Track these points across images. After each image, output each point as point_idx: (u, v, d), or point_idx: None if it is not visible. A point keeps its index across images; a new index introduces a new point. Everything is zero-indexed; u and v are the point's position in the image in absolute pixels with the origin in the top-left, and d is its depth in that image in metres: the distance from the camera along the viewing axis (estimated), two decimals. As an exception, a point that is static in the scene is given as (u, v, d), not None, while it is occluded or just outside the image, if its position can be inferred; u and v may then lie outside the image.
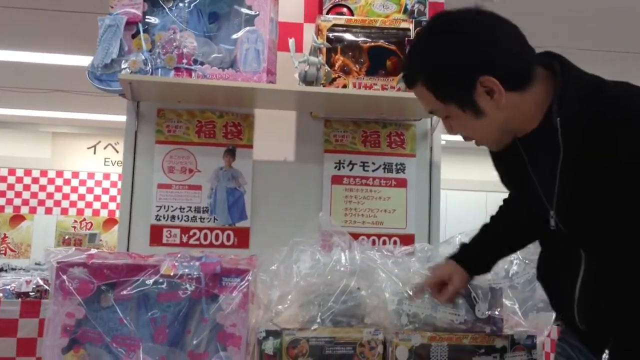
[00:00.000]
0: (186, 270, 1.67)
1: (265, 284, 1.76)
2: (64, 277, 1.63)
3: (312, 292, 1.74)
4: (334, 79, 2.18)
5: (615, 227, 1.28)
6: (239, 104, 2.40)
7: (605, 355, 1.35)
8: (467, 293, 1.73)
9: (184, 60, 2.14)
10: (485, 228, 1.74)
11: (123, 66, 2.16)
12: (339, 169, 2.44)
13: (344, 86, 2.19)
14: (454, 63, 1.32)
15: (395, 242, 2.40)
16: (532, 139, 1.39)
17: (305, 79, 2.15)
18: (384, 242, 2.41)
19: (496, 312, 1.72)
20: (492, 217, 1.75)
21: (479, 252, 1.71)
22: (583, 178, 1.29)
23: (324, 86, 2.16)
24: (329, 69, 2.17)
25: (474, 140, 1.46)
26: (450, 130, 1.45)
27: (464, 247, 1.73)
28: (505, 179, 1.56)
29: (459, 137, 1.47)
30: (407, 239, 2.40)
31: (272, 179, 2.44)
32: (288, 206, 2.42)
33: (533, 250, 1.68)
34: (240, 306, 1.66)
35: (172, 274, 1.66)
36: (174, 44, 2.14)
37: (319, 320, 1.70)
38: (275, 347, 1.64)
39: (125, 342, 1.63)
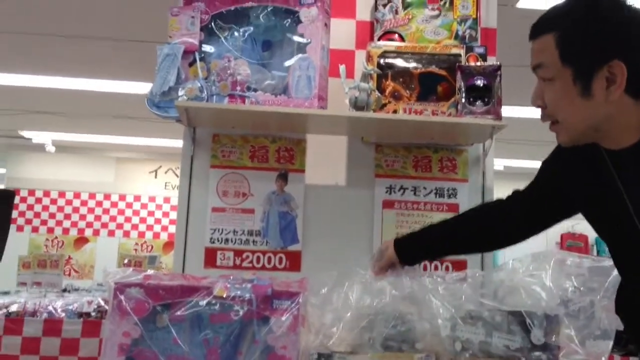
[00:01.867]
0: (238, 292, 1.69)
1: (316, 307, 1.76)
2: (121, 297, 1.65)
3: (363, 316, 1.73)
4: (385, 105, 2.20)
5: None
6: (291, 129, 2.44)
7: None
8: (522, 319, 1.69)
9: (238, 88, 2.20)
10: (443, 222, 1.81)
11: (180, 93, 2.23)
12: (390, 194, 2.44)
13: (395, 111, 2.20)
14: (601, 32, 1.25)
15: (447, 268, 2.38)
16: (627, 155, 1.31)
17: (356, 105, 2.17)
18: (436, 267, 2.39)
19: (552, 339, 1.68)
20: (458, 216, 1.84)
21: (417, 240, 1.79)
22: None
23: (374, 112, 2.17)
24: (379, 94, 2.19)
25: (549, 122, 1.36)
26: (537, 99, 1.36)
27: (411, 233, 1.82)
28: (575, 190, 1.47)
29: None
30: (460, 265, 2.37)
31: (324, 203, 2.46)
32: (339, 230, 2.44)
33: (588, 277, 1.64)
34: (290, 329, 1.67)
35: (224, 295, 1.68)
36: (229, 71, 2.20)
37: (370, 344, 1.69)
38: (326, 370, 1.64)
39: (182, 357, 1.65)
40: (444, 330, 1.71)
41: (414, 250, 1.81)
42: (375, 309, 1.74)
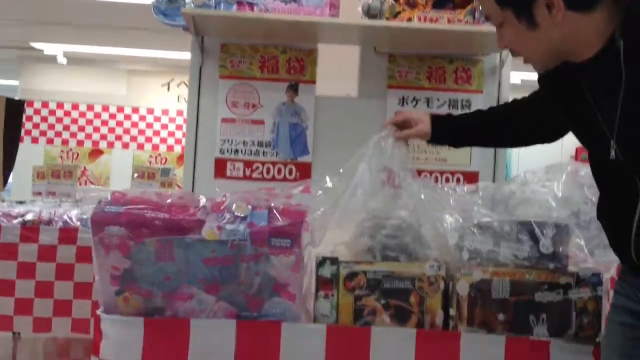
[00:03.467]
0: (231, 236, 1.54)
1: (323, 212, 1.74)
2: (101, 234, 1.52)
3: (369, 223, 1.73)
4: (398, 13, 2.12)
5: None
6: (302, 38, 2.38)
7: None
8: (531, 229, 1.69)
9: (246, -6, 2.13)
10: (478, 113, 1.80)
11: (187, 0, 2.17)
12: (402, 105, 2.40)
13: (409, 20, 2.13)
14: None
15: (458, 180, 2.37)
16: (592, 66, 1.32)
17: (369, 12, 2.10)
18: (447, 180, 2.37)
19: (561, 249, 1.68)
20: (491, 108, 1.82)
21: (455, 124, 1.79)
22: None
23: (387, 20, 2.11)
24: (393, 1, 2.11)
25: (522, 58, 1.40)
26: (501, 41, 1.41)
27: (449, 115, 1.83)
28: (559, 106, 1.49)
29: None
30: (471, 177, 2.36)
31: (335, 115, 2.43)
32: (350, 142, 2.39)
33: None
34: (292, 268, 1.57)
35: (215, 239, 1.54)
36: (237, -23, 2.13)
37: (370, 253, 1.70)
38: (332, 273, 1.65)
39: (177, 293, 1.57)
40: (451, 240, 1.71)
41: (448, 128, 1.81)
42: (382, 217, 1.74)
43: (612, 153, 1.31)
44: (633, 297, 1.36)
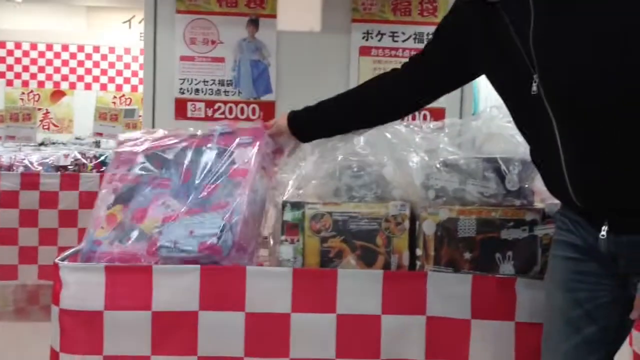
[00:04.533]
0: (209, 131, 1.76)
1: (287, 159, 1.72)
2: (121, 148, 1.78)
3: (333, 164, 1.69)
4: (362, -61, 2.03)
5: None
6: (262, -31, 2.28)
7: (603, 230, 1.29)
8: (497, 166, 1.66)
9: None
10: (340, 95, 1.73)
11: None
12: (367, 40, 2.33)
13: (372, -53, 2.03)
14: None
15: (425, 117, 2.33)
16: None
17: (330, -60, 2.00)
18: (414, 117, 2.33)
19: (527, 185, 1.66)
20: (353, 89, 1.77)
21: (312, 111, 1.72)
22: (559, 22, 1.23)
23: (350, -53, 2.01)
24: None
25: None
26: None
27: (306, 107, 1.75)
28: (484, 51, 1.44)
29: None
30: (438, 113, 2.32)
31: (298, 51, 2.36)
32: (314, 79, 2.35)
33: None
34: (251, 159, 1.70)
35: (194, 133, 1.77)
36: None
37: (336, 194, 1.66)
38: (297, 218, 1.62)
39: (161, 183, 1.72)
40: (417, 179, 1.68)
41: (305, 121, 1.73)
42: (345, 157, 1.70)
43: (534, 87, 1.29)
44: (575, 232, 1.37)
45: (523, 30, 1.28)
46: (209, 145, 1.75)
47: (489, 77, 1.49)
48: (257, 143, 1.73)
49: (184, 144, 1.75)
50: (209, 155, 1.74)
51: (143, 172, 1.73)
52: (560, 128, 1.28)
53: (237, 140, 1.73)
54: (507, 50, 1.34)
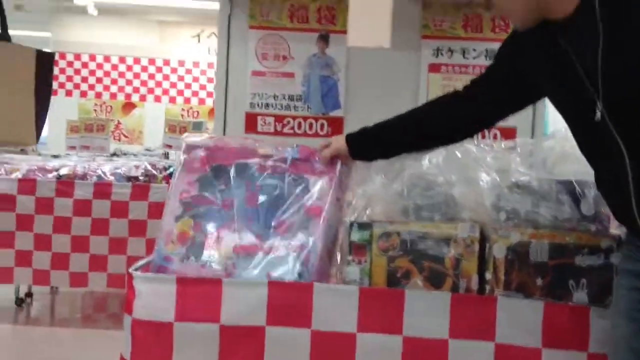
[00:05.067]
0: (281, 153, 1.72)
1: (357, 178, 1.72)
2: (188, 155, 1.75)
3: (401, 184, 1.68)
4: (435, -43, 2.02)
5: None
6: (333, -14, 2.29)
7: None
8: (571, 189, 1.62)
9: (275, -60, 2.04)
10: (398, 118, 1.67)
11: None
12: (437, 56, 2.32)
13: (445, -35, 2.02)
14: None
15: (495, 136, 2.29)
16: (570, 24, 1.29)
17: (403, -42, 2.00)
18: (483, 135, 2.29)
19: (603, 210, 1.61)
20: (415, 109, 1.70)
21: (371, 135, 1.68)
22: (629, 55, 1.21)
23: (423, -35, 2.00)
24: (429, -55, 2.01)
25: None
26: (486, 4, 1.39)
27: (364, 128, 1.71)
28: (543, 76, 1.43)
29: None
30: (508, 132, 2.28)
31: (367, 67, 2.36)
32: (383, 95, 2.34)
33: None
34: (327, 189, 1.67)
35: (269, 153, 1.72)
36: None
37: (404, 213, 1.65)
38: (364, 238, 1.61)
39: (227, 203, 1.70)
40: (488, 200, 1.65)
41: (366, 142, 1.69)
42: (417, 176, 1.68)
43: (598, 114, 1.27)
44: None
45: (587, 55, 1.27)
46: (281, 170, 1.71)
47: (551, 101, 1.47)
48: (333, 175, 1.69)
49: (252, 160, 1.73)
50: (280, 182, 1.71)
51: (210, 185, 1.72)
52: (630, 154, 1.25)
53: (311, 167, 1.71)
54: (566, 75, 1.33)
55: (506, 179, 1.67)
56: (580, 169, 1.68)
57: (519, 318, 1.51)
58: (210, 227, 1.68)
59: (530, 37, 1.41)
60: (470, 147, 1.78)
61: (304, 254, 1.60)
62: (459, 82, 2.28)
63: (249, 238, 1.64)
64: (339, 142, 1.69)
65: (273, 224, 1.66)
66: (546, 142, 1.84)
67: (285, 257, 1.61)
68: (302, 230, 1.64)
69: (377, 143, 1.69)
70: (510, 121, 2.28)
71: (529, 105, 1.68)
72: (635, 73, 1.22)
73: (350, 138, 1.69)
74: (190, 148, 1.76)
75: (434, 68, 2.30)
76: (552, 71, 1.38)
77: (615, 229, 1.62)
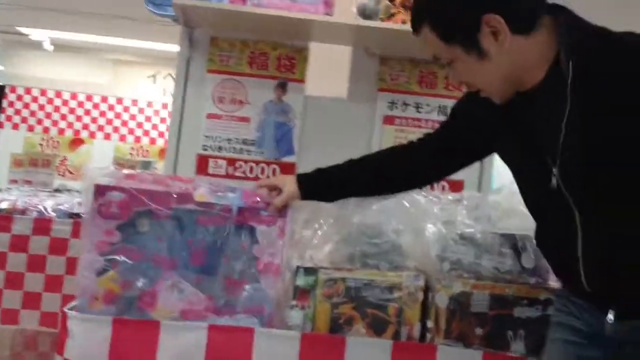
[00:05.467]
0: (221, 200, 1.62)
1: (303, 220, 1.73)
2: (102, 199, 1.58)
3: (347, 231, 1.70)
4: (393, 14, 2.10)
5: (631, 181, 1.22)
6: (294, 36, 2.34)
7: (611, 314, 1.27)
8: (514, 242, 1.67)
9: (239, -13, 2.09)
10: (351, 162, 1.71)
11: (179, -9, 2.12)
12: (391, 109, 2.37)
13: (403, 22, 2.10)
14: (457, 1, 1.30)
15: (443, 188, 2.34)
16: (537, 92, 1.31)
17: (364, 13, 2.07)
18: (432, 187, 2.34)
19: (543, 263, 1.66)
20: (368, 155, 1.75)
21: (324, 178, 1.69)
22: (596, 130, 1.23)
23: (382, 21, 2.07)
24: (388, 2, 2.08)
25: (475, 90, 1.39)
26: (455, 77, 1.41)
27: (318, 170, 1.71)
28: (499, 137, 1.46)
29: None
30: (456, 185, 2.33)
31: (323, 115, 2.39)
32: (337, 144, 2.37)
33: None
34: (277, 240, 1.63)
35: (205, 200, 1.62)
36: (230, -31, 2.09)
37: (354, 260, 1.66)
38: (310, 283, 1.62)
39: (163, 260, 1.60)
40: (433, 250, 1.68)
41: (321, 182, 1.69)
42: (362, 224, 1.71)
43: (554, 181, 1.29)
44: (578, 316, 1.36)
45: (549, 123, 1.28)
46: (225, 220, 1.61)
47: (503, 160, 1.51)
48: (283, 224, 1.63)
49: (189, 207, 1.60)
50: (225, 234, 1.61)
51: (136, 234, 1.58)
52: (583, 219, 1.27)
53: (258, 215, 1.63)
54: (523, 140, 1.37)
55: (452, 231, 1.72)
56: (522, 224, 1.74)
57: (459, 366, 1.53)
58: (143, 284, 1.57)
59: (487, 101, 1.42)
60: (418, 198, 1.82)
61: (264, 317, 1.58)
62: (412, 135, 2.33)
63: (197, 298, 1.59)
64: (287, 185, 1.65)
65: (222, 281, 1.61)
66: (492, 196, 1.90)
67: (239, 317, 1.58)
68: (254, 286, 1.61)
69: (332, 184, 1.69)
70: (458, 174, 2.34)
71: (479, 160, 1.74)
72: (600, 151, 1.23)
73: (303, 178, 1.68)
74: (103, 190, 1.58)
75: (388, 120, 2.35)
76: (509, 134, 1.41)
77: (554, 282, 1.68)
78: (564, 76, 1.24)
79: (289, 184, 1.66)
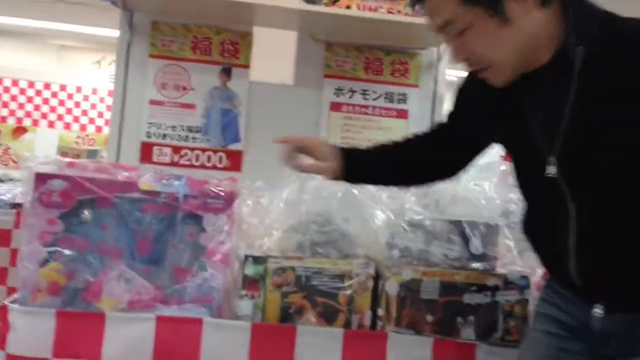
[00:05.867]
0: (167, 188, 1.59)
1: (251, 208, 1.70)
2: (43, 187, 1.54)
3: (296, 219, 1.68)
4: (337, 0, 2.07)
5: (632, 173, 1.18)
6: (237, 20, 2.29)
7: (599, 308, 1.24)
8: (461, 229, 1.67)
9: (180, -31, 2.02)
10: (382, 148, 1.61)
11: (116, -28, 2.05)
12: (338, 96, 2.35)
13: (348, 7, 2.07)
14: None
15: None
16: (540, 75, 1.24)
17: (308, -3, 2.03)
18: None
19: (490, 250, 1.67)
20: (400, 141, 1.63)
21: (365, 164, 1.59)
22: (600, 117, 1.18)
23: (326, 6, 2.04)
24: (333, -13, 2.05)
25: (479, 68, 1.27)
26: (460, 55, 1.27)
27: (359, 150, 1.62)
28: (496, 122, 1.39)
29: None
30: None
31: (269, 102, 2.35)
32: (284, 131, 2.31)
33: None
34: (224, 228, 1.60)
35: (151, 189, 1.58)
36: (170, -49, 2.02)
37: (299, 248, 1.64)
38: (259, 272, 1.59)
39: (109, 250, 1.56)
40: (382, 237, 1.67)
41: (360, 171, 1.60)
42: (309, 212, 1.69)
43: (550, 169, 1.24)
44: (562, 307, 1.34)
45: (549, 108, 1.23)
46: (172, 209, 1.58)
47: (502, 145, 1.44)
48: (230, 212, 1.60)
49: (134, 195, 1.56)
50: (172, 223, 1.59)
51: (79, 224, 1.54)
52: (579, 209, 1.23)
53: (204, 203, 1.59)
54: (520, 125, 1.29)
55: (401, 218, 1.71)
56: (471, 211, 1.75)
57: (409, 353, 1.52)
58: (88, 275, 1.53)
59: (485, 85, 1.33)
60: (367, 186, 1.80)
61: (213, 307, 1.55)
62: (360, 122, 2.33)
63: (144, 288, 1.54)
64: (330, 158, 1.53)
65: (170, 270, 1.57)
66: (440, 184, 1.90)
67: (192, 311, 1.54)
68: (202, 274, 1.57)
69: (368, 172, 1.60)
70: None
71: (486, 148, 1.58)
72: (603, 138, 1.18)
73: (349, 159, 1.56)
74: (44, 178, 1.53)
75: (335, 107, 2.33)
76: (506, 119, 1.34)
77: (501, 268, 1.69)
78: (571, 61, 1.18)
79: (332, 157, 1.55)
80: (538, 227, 1.38)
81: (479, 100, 1.41)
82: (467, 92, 1.50)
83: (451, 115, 1.58)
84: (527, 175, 1.37)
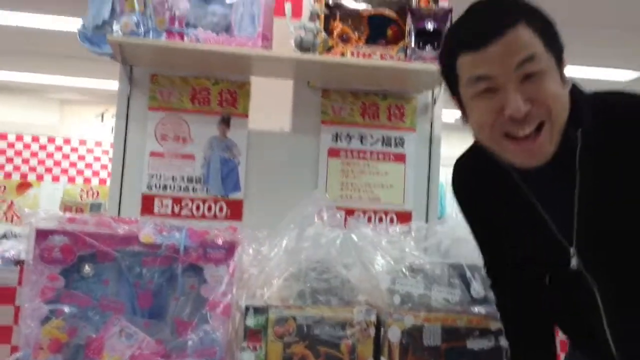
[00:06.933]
0: (166, 240, 1.60)
1: (251, 257, 1.69)
2: (44, 244, 1.56)
3: (296, 267, 1.67)
4: (331, 47, 2.09)
5: None
6: (234, 70, 2.31)
7: None
8: (462, 272, 1.66)
9: (176, 23, 2.06)
10: None
11: (115, 28, 2.08)
12: (336, 142, 2.36)
13: (342, 54, 2.10)
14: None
15: (392, 219, 2.33)
16: (544, 167, 1.19)
17: (301, 46, 2.06)
18: (380, 219, 2.33)
19: (491, 293, 1.64)
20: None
21: None
22: (611, 202, 1.16)
23: (320, 54, 2.07)
24: (326, 36, 2.08)
25: (532, 127, 1.16)
26: (527, 97, 1.13)
27: None
28: (504, 222, 1.34)
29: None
30: (404, 216, 2.32)
31: (268, 150, 2.36)
32: (283, 178, 2.35)
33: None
34: (225, 279, 1.61)
35: (151, 242, 1.59)
36: (166, 5, 2.05)
37: (300, 297, 1.63)
38: (260, 323, 1.58)
39: (110, 305, 1.57)
40: (383, 283, 1.66)
41: None
42: (310, 260, 1.68)
43: (573, 262, 1.21)
44: None
45: (557, 202, 1.21)
46: (172, 261, 1.59)
47: (511, 246, 1.37)
48: (231, 261, 1.61)
49: (134, 249, 1.57)
50: (173, 275, 1.60)
51: (80, 280, 1.56)
52: (605, 302, 1.21)
53: (205, 254, 1.61)
54: (532, 223, 1.26)
55: (401, 263, 1.70)
56: (470, 254, 1.73)
57: (413, 403, 1.50)
58: (89, 331, 1.54)
59: (482, 183, 1.33)
60: (366, 231, 1.80)
61: (209, 352, 1.54)
62: (358, 167, 2.34)
63: (145, 343, 1.53)
64: None
65: (171, 323, 1.58)
66: (439, 226, 1.90)
67: None
68: (204, 327, 1.57)
69: None
70: (406, 205, 2.35)
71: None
72: (616, 227, 1.16)
73: None
74: (44, 234, 1.55)
75: (333, 152, 2.34)
76: (514, 218, 1.30)
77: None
78: (572, 145, 1.17)
79: None
80: (569, 321, 1.36)
81: (480, 203, 1.37)
82: (469, 206, 1.44)
83: (486, 250, 1.48)
84: (542, 266, 1.31)
